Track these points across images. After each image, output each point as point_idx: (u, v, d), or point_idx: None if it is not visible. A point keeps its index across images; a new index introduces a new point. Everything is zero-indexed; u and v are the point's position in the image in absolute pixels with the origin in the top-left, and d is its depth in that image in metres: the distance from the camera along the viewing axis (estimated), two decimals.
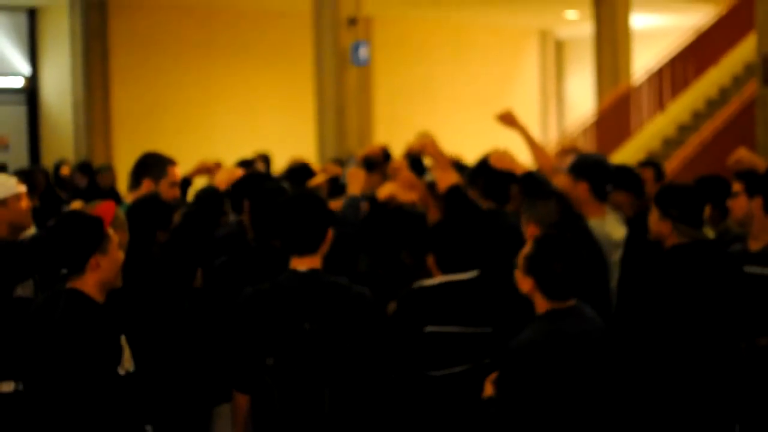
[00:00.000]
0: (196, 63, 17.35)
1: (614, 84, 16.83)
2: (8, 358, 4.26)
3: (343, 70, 13.71)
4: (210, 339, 4.70)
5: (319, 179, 6.22)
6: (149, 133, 16.52)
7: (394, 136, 15.59)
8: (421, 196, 5.47)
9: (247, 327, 3.85)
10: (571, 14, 19.90)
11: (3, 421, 4.21)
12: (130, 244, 4.74)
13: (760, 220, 4.89)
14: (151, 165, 5.62)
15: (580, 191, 5.19)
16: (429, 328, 4.28)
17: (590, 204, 5.18)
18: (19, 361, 3.81)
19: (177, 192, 5.68)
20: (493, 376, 3.75)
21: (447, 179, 5.16)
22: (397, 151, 10.07)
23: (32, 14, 16.77)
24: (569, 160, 5.86)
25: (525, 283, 3.71)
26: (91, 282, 3.63)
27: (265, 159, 10.05)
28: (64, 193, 10.53)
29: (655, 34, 20.62)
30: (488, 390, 3.72)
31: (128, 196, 5.59)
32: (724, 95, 15.75)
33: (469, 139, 16.27)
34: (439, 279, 4.38)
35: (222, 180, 4.91)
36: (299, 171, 6.56)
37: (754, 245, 4.89)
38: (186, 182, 6.11)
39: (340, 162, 8.14)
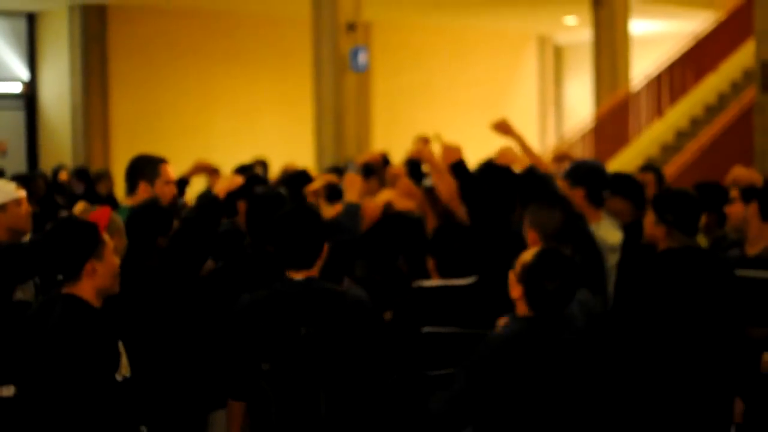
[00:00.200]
0: (194, 68, 17.35)
1: (613, 90, 16.84)
2: (8, 363, 4.26)
3: (341, 75, 13.71)
4: (206, 345, 4.70)
5: (316, 185, 6.23)
6: (148, 139, 16.50)
7: (393, 142, 15.60)
8: (419, 203, 5.47)
9: (244, 334, 3.87)
10: (570, 20, 19.92)
11: (3, 426, 4.21)
12: (130, 249, 4.74)
13: (756, 226, 4.95)
14: (144, 167, 5.61)
15: (577, 197, 5.21)
16: (427, 329, 4.29)
17: (586, 210, 5.22)
18: (18, 366, 3.81)
19: (174, 189, 5.70)
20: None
21: (448, 185, 5.17)
22: (396, 157, 10.07)
23: (31, 19, 16.77)
24: (565, 166, 5.88)
25: (515, 289, 3.75)
26: (87, 288, 3.62)
27: (263, 164, 10.06)
28: (62, 199, 10.52)
29: (654, 40, 20.64)
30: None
31: (126, 201, 5.58)
32: (722, 101, 15.75)
33: (468, 144, 16.20)
34: (438, 282, 4.40)
35: (222, 188, 4.91)
36: (296, 177, 6.57)
37: (751, 250, 4.96)
38: (183, 182, 6.11)
39: (338, 170, 8.14)
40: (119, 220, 4.71)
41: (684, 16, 18.94)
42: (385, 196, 5.41)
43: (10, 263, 4.48)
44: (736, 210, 5.26)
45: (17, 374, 3.82)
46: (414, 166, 7.54)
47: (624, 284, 5.00)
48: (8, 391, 4.27)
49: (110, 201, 9.20)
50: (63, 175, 12.30)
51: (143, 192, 5.51)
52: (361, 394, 3.89)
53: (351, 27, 13.63)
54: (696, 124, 15.76)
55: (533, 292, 3.69)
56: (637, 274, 4.59)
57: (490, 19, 19.77)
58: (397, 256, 5.11)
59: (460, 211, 5.14)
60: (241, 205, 5.53)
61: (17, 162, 15.94)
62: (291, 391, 3.80)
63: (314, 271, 3.90)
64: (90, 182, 11.33)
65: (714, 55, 16.28)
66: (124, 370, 3.63)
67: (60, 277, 3.65)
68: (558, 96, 23.73)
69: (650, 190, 6.09)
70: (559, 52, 23.70)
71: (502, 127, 5.50)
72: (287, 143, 17.07)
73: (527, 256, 3.76)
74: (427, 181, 6.09)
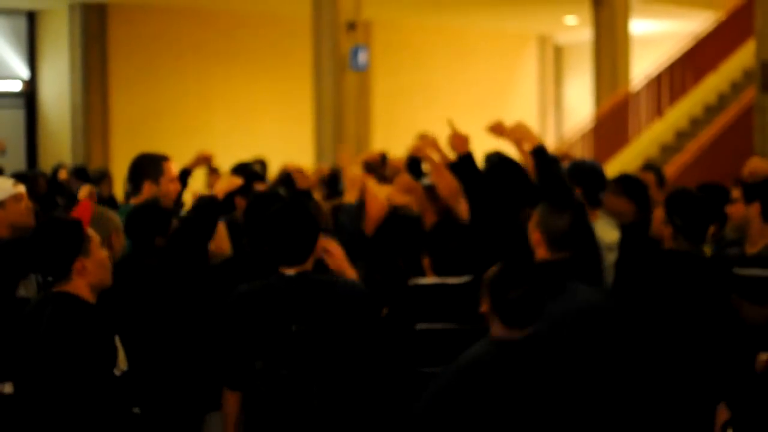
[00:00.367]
0: (194, 67, 17.35)
1: (613, 90, 16.84)
2: (8, 360, 4.25)
3: (341, 74, 13.70)
4: (205, 343, 4.69)
5: (310, 181, 6.25)
6: (147, 138, 16.50)
7: (393, 142, 15.58)
8: (418, 199, 5.45)
9: (236, 326, 3.93)
10: (570, 20, 19.91)
11: (4, 423, 4.20)
12: (132, 249, 4.74)
13: (757, 226, 4.95)
14: (147, 166, 5.63)
15: None
16: (420, 326, 4.29)
17: None
18: (16, 365, 3.80)
19: (178, 186, 5.76)
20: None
21: (447, 183, 5.15)
22: (396, 156, 10.06)
23: (31, 18, 16.76)
24: (564, 166, 5.85)
25: (483, 304, 3.66)
26: (80, 285, 3.61)
27: (262, 164, 10.04)
28: (61, 199, 10.50)
29: (654, 40, 20.63)
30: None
31: (132, 201, 5.58)
32: (722, 102, 15.75)
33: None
34: (432, 279, 4.40)
35: (221, 188, 4.91)
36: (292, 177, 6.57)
37: (751, 249, 4.96)
38: (186, 173, 6.11)
39: (336, 174, 8.14)
40: (118, 219, 4.71)
41: (684, 16, 18.93)
42: (384, 191, 5.39)
43: (11, 259, 4.47)
44: (737, 210, 5.26)
45: (15, 373, 3.81)
46: (414, 164, 7.53)
47: (622, 283, 5.00)
48: (8, 388, 4.27)
49: (111, 202, 9.17)
50: (63, 174, 12.27)
51: (148, 191, 5.53)
52: (353, 388, 3.94)
53: (351, 26, 13.62)
54: (696, 124, 15.76)
55: (498, 303, 3.59)
56: (635, 271, 4.59)
57: (490, 18, 19.76)
58: (397, 255, 5.11)
59: (460, 208, 5.12)
60: (240, 202, 5.54)
61: (16, 160, 15.92)
62: (283, 387, 3.85)
63: (307, 266, 3.96)
64: (89, 181, 11.30)
65: (714, 56, 16.28)
66: (122, 364, 3.62)
67: (50, 278, 3.62)
68: (558, 96, 23.72)
69: (652, 190, 6.09)
70: (559, 52, 23.70)
71: (497, 129, 5.48)
72: (287, 143, 17.07)
73: (492, 270, 3.68)
74: (426, 180, 6.09)
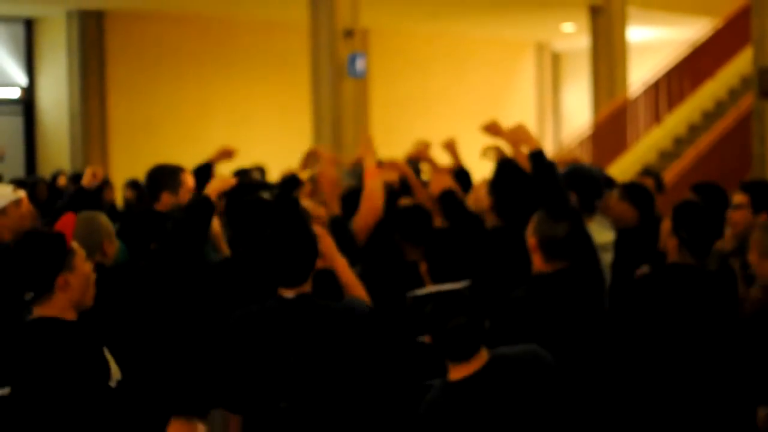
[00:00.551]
0: (193, 74, 17.35)
1: (610, 97, 16.85)
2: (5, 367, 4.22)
3: (339, 81, 13.70)
4: (201, 346, 4.66)
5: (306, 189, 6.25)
6: (145, 144, 16.51)
7: (391, 148, 15.58)
8: (402, 173, 5.45)
9: (234, 352, 3.82)
10: (567, 27, 19.93)
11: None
12: (128, 254, 4.72)
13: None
14: (166, 177, 5.65)
15: None
16: (422, 338, 4.27)
17: None
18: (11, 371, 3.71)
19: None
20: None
21: (441, 182, 5.16)
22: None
23: (29, 25, 16.77)
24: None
25: (426, 339, 3.55)
26: (60, 302, 3.39)
27: (261, 171, 10.04)
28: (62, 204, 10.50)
29: (652, 47, 20.66)
30: None
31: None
32: (720, 108, 15.77)
33: (465, 150, 16.21)
34: (429, 289, 4.37)
35: (214, 189, 4.75)
36: (287, 182, 6.57)
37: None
38: (208, 167, 6.07)
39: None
40: (109, 225, 4.67)
41: (681, 24, 18.96)
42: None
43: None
44: (742, 216, 5.11)
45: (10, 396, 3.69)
46: (412, 168, 7.54)
47: (620, 288, 4.97)
48: (3, 391, 4.24)
49: (112, 209, 9.15)
50: (62, 180, 12.28)
51: (166, 201, 5.55)
52: (356, 413, 3.84)
53: (349, 33, 13.63)
54: (694, 130, 15.77)
55: (438, 336, 3.47)
56: (637, 287, 4.52)
57: (488, 26, 19.78)
58: (398, 248, 5.07)
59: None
60: (221, 204, 5.52)
61: (15, 167, 15.91)
62: (283, 418, 3.75)
63: (306, 287, 3.85)
64: (88, 187, 11.28)
65: (712, 62, 16.30)
66: (115, 374, 3.49)
67: (30, 295, 3.39)
68: (556, 103, 23.74)
69: None
70: (556, 59, 23.72)
71: (493, 129, 5.47)
72: (285, 149, 17.04)
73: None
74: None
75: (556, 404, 3.57)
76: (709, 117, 15.77)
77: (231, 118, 17.70)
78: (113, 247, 4.59)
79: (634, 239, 5.45)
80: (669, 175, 13.14)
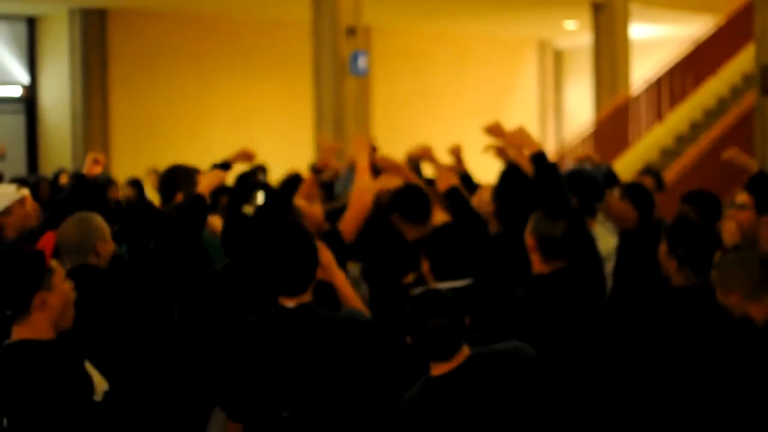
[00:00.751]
0: (195, 72, 17.36)
1: (613, 94, 16.84)
2: None
3: (341, 80, 13.70)
4: (200, 346, 4.65)
5: (306, 186, 6.24)
6: (147, 143, 16.53)
7: (393, 147, 15.58)
8: (405, 179, 5.46)
9: (235, 362, 3.80)
10: (569, 24, 19.93)
11: None
12: (128, 254, 4.71)
13: None
14: (182, 179, 5.64)
15: None
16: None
17: None
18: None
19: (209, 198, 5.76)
20: None
21: (447, 179, 5.17)
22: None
23: (31, 23, 16.78)
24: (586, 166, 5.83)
25: (407, 340, 3.55)
26: (38, 322, 3.30)
27: (263, 170, 10.05)
28: None
29: (654, 45, 20.65)
30: None
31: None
32: (722, 106, 15.76)
33: (468, 149, 16.22)
34: (431, 287, 4.37)
35: (205, 186, 4.66)
36: (289, 182, 6.56)
37: None
38: (226, 167, 6.07)
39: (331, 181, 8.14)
40: (103, 225, 4.64)
41: (683, 21, 18.95)
42: (376, 185, 5.40)
43: None
44: (745, 217, 5.04)
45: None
46: (413, 166, 7.54)
47: (622, 293, 4.93)
48: None
49: (117, 208, 9.13)
50: (64, 179, 12.29)
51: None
52: (357, 418, 3.82)
53: (351, 31, 13.62)
54: (696, 128, 15.76)
55: (418, 336, 3.48)
56: (645, 314, 4.39)
57: (490, 23, 19.78)
58: (391, 255, 5.08)
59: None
60: (224, 200, 5.51)
61: (17, 166, 15.94)
62: (285, 428, 3.73)
63: (307, 296, 3.82)
64: (90, 186, 11.27)
65: (714, 60, 16.29)
66: (100, 387, 3.40)
67: (8, 312, 3.29)
68: (558, 100, 23.73)
69: None
70: (558, 57, 23.71)
71: (495, 130, 5.47)
72: (287, 148, 17.06)
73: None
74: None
75: (539, 399, 3.57)
76: (711, 114, 15.76)
77: (233, 116, 17.71)
78: (107, 247, 4.54)
79: (636, 243, 5.44)
80: (671, 173, 13.14)
